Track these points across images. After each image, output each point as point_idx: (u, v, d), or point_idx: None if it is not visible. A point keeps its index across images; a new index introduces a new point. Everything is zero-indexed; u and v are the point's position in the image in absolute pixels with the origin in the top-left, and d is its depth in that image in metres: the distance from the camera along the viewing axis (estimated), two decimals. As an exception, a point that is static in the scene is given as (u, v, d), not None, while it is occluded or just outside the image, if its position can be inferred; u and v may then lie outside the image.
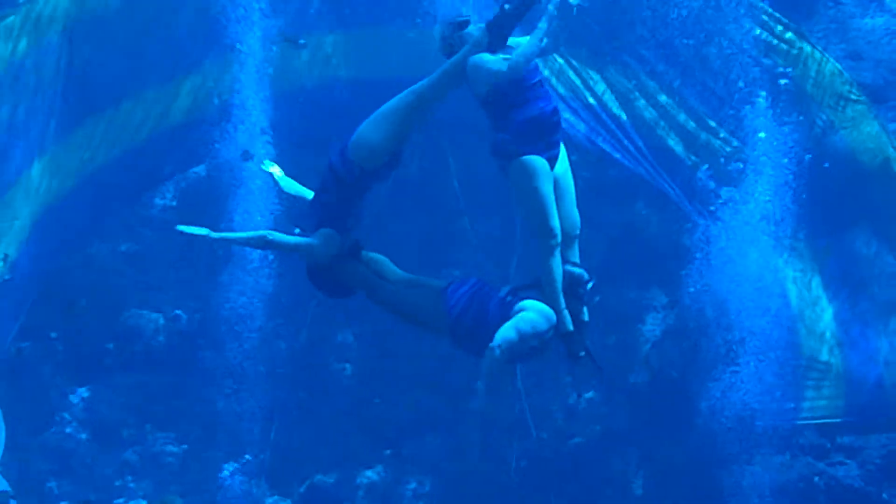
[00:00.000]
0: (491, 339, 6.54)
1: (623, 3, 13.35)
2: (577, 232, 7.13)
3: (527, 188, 6.75)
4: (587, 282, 6.92)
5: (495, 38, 6.98)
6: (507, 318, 6.56)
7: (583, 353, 6.78)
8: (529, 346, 6.43)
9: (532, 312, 6.40)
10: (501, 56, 6.79)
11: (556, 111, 6.95)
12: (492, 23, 7.01)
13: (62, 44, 12.57)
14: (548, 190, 6.78)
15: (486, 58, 6.72)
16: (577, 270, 6.87)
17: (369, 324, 14.96)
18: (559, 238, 6.71)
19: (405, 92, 7.17)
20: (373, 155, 7.21)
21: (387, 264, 7.60)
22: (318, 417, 15.01)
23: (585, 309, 7.06)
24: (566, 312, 6.53)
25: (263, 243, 7.20)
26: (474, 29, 7.03)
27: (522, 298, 6.63)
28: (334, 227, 7.38)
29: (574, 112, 13.78)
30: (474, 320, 6.87)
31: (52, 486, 14.72)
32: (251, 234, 7.46)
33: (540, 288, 6.72)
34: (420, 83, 7.21)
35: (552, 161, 6.82)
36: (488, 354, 6.18)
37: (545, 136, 6.80)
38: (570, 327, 6.57)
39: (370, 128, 7.19)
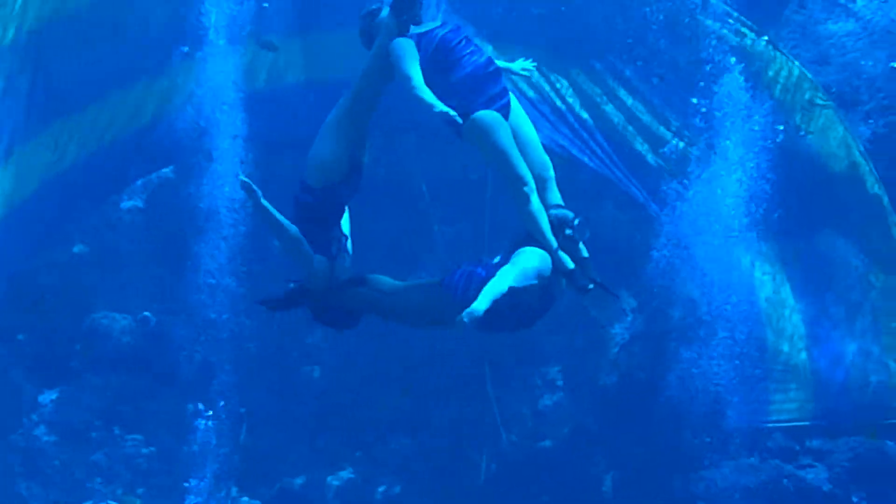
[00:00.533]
0: (503, 312, 7.89)
1: (591, 7, 13.48)
2: (551, 173, 7.07)
3: (486, 143, 6.86)
4: (573, 219, 6.81)
5: (403, 20, 7.12)
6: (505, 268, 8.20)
7: (591, 286, 6.73)
8: (531, 289, 6.39)
9: (511, 264, 6.43)
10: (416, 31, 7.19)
11: (489, 62, 7.10)
12: (394, 4, 7.19)
13: (29, 45, 12.62)
14: (507, 140, 6.88)
15: (396, 44, 6.96)
16: (561, 211, 6.88)
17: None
18: (531, 184, 6.79)
19: (340, 99, 7.34)
20: (327, 171, 7.22)
21: (380, 278, 7.51)
22: (287, 419, 15.08)
23: (582, 245, 6.99)
24: (562, 253, 6.50)
25: (289, 237, 6.95)
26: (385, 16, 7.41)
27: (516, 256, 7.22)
28: (318, 239, 7.40)
29: (542, 115, 13.82)
30: (478, 293, 8.19)
31: (21, 488, 14.55)
32: (288, 224, 7.23)
33: (530, 240, 6.81)
34: (352, 86, 7.47)
35: (503, 112, 6.91)
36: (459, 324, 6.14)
37: (487, 89, 6.92)
38: (570, 265, 6.50)
39: (318, 145, 7.24)
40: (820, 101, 13.34)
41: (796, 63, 13.59)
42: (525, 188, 6.74)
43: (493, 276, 6.88)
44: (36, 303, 14.56)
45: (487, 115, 6.80)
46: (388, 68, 7.18)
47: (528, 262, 6.43)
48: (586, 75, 14.36)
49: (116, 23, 13.39)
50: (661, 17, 14.18)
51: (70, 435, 15.11)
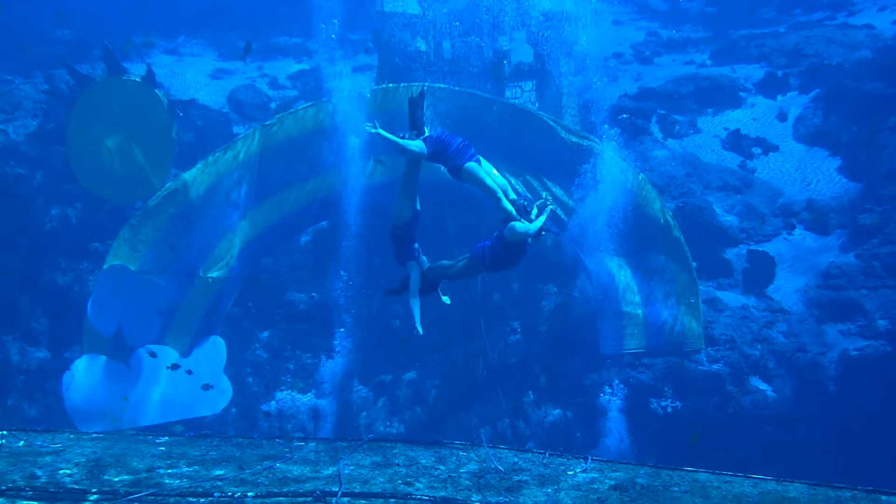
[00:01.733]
0: (504, 258, 12.12)
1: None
2: (508, 187, 11.99)
3: (473, 177, 11.91)
4: (524, 203, 11.91)
5: (417, 116, 12.23)
6: (500, 236, 11.86)
7: (543, 233, 11.86)
8: (522, 237, 11.69)
9: (508, 229, 11.53)
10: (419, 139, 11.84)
11: (463, 140, 11.98)
12: (410, 101, 12.17)
13: (256, 160, 19.59)
14: (482, 173, 11.89)
15: (412, 144, 11.71)
16: (519, 202, 11.91)
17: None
18: (499, 191, 11.81)
19: (399, 178, 12.22)
20: (402, 215, 12.21)
21: (442, 262, 12.63)
22: (380, 347, 21.32)
23: (541, 219, 11.88)
24: (524, 221, 11.58)
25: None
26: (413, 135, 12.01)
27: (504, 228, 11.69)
28: (407, 254, 12.40)
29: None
30: (493, 253, 12.07)
31: (249, 381, 21.42)
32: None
33: (507, 220, 11.71)
34: (402, 170, 12.20)
35: (477, 161, 11.87)
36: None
37: (466, 153, 11.91)
38: (531, 227, 11.58)
39: (394, 203, 12.19)
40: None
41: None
42: (497, 194, 11.76)
43: (494, 241, 12.01)
44: (256, 280, 20.96)
45: (470, 164, 11.90)
46: (415, 159, 12.11)
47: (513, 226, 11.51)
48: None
49: (299, 149, 19.64)
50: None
51: (272, 353, 21.73)
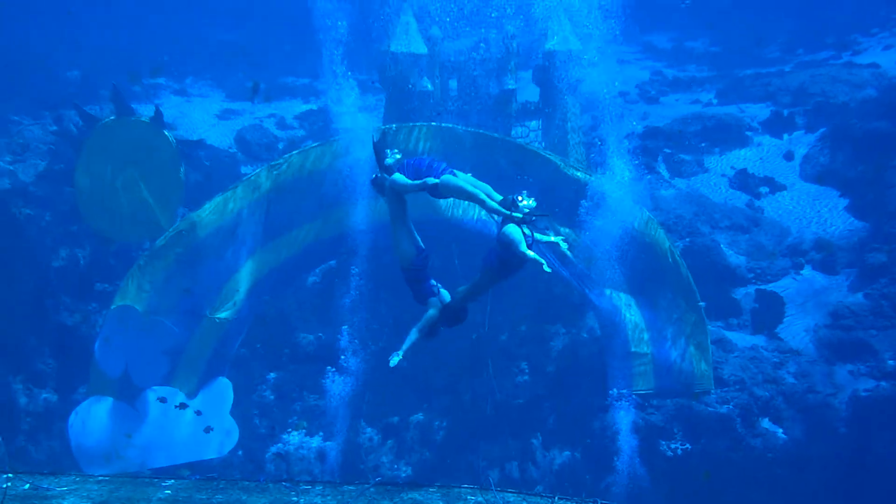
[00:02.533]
0: (510, 259, 11.88)
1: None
2: (489, 188, 11.93)
3: (453, 188, 11.83)
4: (512, 199, 11.72)
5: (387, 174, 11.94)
6: (499, 240, 11.72)
7: (533, 218, 11.66)
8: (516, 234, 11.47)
9: (502, 232, 11.47)
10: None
11: (431, 159, 12.00)
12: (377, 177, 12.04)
13: (264, 200, 19.56)
14: (460, 182, 11.81)
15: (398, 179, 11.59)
16: (507, 198, 11.84)
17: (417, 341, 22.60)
18: (481, 194, 11.73)
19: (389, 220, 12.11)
20: (406, 257, 12.11)
21: (460, 287, 12.52)
22: (386, 385, 21.04)
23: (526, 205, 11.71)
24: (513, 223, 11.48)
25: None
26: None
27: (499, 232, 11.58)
28: (425, 292, 12.26)
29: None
30: (497, 257, 12.01)
31: (256, 421, 21.30)
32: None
33: (502, 223, 11.64)
34: (389, 211, 12.08)
35: (451, 173, 11.79)
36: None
37: (437, 168, 11.85)
38: (518, 215, 11.49)
39: (394, 247, 12.18)
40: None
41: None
42: (480, 197, 11.65)
43: (495, 246, 11.91)
44: (262, 319, 20.83)
45: (446, 177, 11.76)
46: (398, 195, 11.92)
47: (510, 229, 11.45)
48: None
49: (308, 189, 19.64)
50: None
51: (279, 395, 21.67)
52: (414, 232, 12.09)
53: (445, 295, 12.19)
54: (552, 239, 11.89)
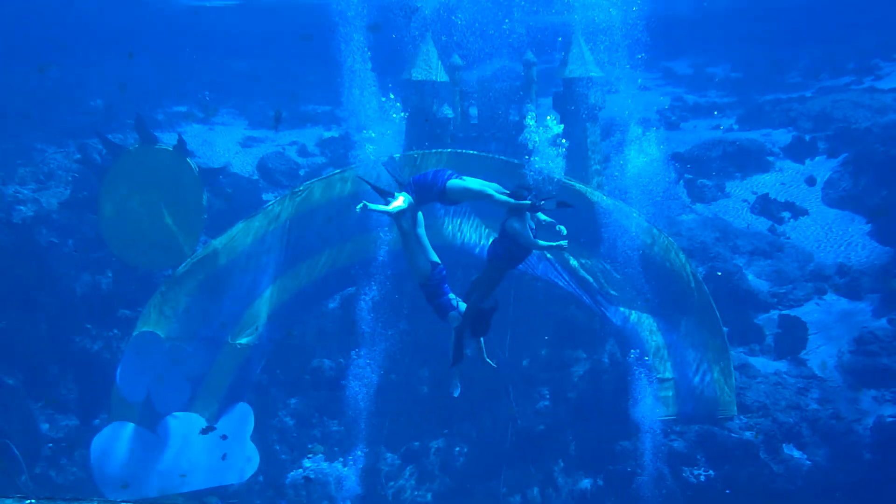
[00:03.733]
0: (514, 249, 11.87)
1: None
2: (497, 185, 11.84)
3: (460, 190, 11.74)
4: (521, 190, 11.70)
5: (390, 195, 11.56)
6: (503, 230, 11.73)
7: (541, 203, 11.56)
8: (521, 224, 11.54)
9: (506, 222, 11.53)
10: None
11: (435, 170, 11.94)
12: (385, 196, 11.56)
13: (285, 227, 19.59)
14: (466, 182, 11.78)
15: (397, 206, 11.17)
16: (515, 189, 11.76)
17: (436, 367, 21.23)
18: (489, 188, 11.72)
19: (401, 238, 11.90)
20: (422, 273, 11.85)
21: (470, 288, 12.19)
22: (411, 413, 21.26)
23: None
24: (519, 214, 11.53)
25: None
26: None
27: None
28: (445, 307, 11.76)
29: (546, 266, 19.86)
30: (502, 247, 11.99)
31: (277, 448, 21.26)
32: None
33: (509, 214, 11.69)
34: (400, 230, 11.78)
35: (455, 178, 11.71)
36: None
37: (440, 175, 11.83)
38: (527, 202, 11.45)
39: (409, 264, 11.96)
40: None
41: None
42: (488, 191, 11.63)
43: (499, 236, 11.94)
44: (288, 334, 20.67)
45: (451, 181, 11.70)
46: (405, 218, 11.66)
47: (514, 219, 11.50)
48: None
49: (329, 216, 19.59)
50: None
51: (298, 420, 21.71)
52: (428, 247, 11.90)
53: (464, 308, 11.84)
54: (555, 244, 11.75)
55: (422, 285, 11.82)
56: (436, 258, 11.85)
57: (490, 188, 11.75)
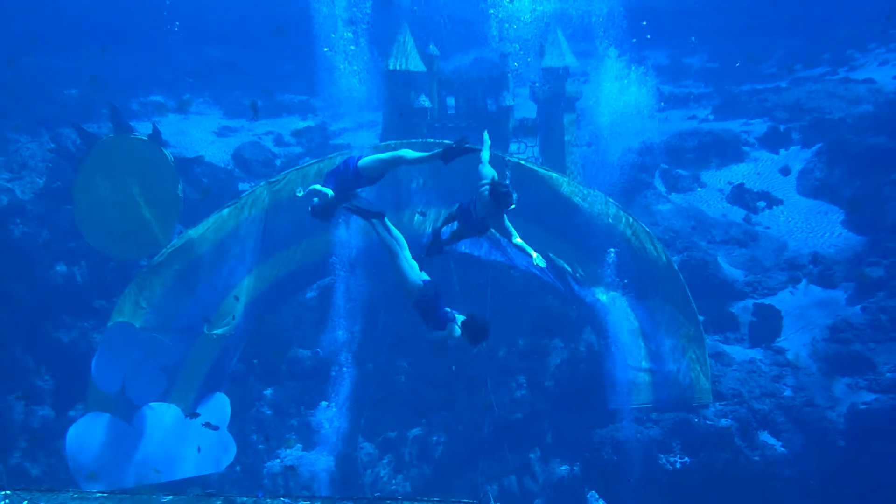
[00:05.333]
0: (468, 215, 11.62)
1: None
2: (410, 152, 11.73)
3: (373, 165, 11.60)
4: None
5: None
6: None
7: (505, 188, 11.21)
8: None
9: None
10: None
11: (345, 158, 11.85)
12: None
13: (262, 217, 19.63)
14: (376, 154, 11.72)
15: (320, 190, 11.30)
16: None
17: (414, 357, 21.38)
18: (401, 151, 11.69)
19: (389, 258, 11.72)
20: (411, 290, 11.59)
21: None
22: (385, 404, 21.31)
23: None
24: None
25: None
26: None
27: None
28: (439, 320, 11.50)
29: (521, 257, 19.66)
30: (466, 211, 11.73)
31: (253, 438, 21.17)
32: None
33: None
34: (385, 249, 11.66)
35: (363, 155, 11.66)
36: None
37: (350, 161, 11.76)
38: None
39: (397, 281, 11.69)
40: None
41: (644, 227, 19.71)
42: (400, 153, 11.66)
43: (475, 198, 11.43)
44: (259, 322, 20.37)
45: (361, 161, 11.69)
46: (380, 226, 11.56)
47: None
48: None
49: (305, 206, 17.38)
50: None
51: (276, 411, 21.67)
52: (414, 264, 11.72)
53: (459, 318, 11.53)
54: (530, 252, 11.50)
55: (415, 304, 11.56)
56: (424, 275, 11.63)
57: (403, 152, 11.75)
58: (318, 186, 11.54)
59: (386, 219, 11.62)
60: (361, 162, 11.58)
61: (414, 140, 19.97)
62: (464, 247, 20.05)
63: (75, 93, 33.44)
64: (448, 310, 11.42)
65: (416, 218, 19.89)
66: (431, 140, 20.30)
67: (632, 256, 19.87)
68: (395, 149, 12.06)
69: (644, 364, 20.27)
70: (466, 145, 11.43)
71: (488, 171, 11.48)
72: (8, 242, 22.32)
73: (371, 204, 11.89)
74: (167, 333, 19.15)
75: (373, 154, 11.67)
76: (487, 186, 11.29)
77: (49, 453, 20.63)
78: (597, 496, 19.56)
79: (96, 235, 21.54)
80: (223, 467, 19.43)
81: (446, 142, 11.81)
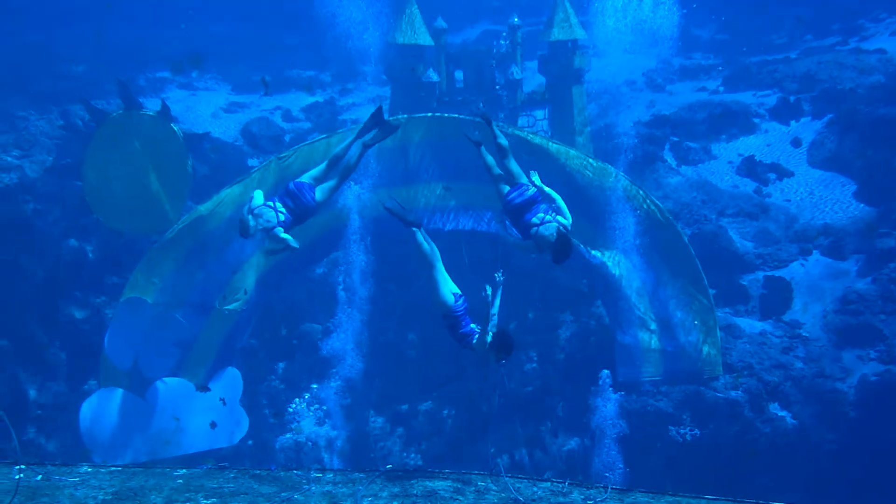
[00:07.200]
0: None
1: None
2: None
3: (327, 190, 11.91)
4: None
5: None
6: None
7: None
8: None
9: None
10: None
11: (294, 185, 11.94)
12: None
13: (273, 190, 17.47)
14: (317, 173, 11.94)
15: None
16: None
17: (424, 331, 21.62)
18: (338, 150, 11.98)
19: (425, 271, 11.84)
20: (443, 303, 11.56)
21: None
22: (399, 376, 21.54)
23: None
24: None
25: None
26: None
27: None
28: (466, 338, 11.56)
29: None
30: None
31: (266, 411, 21.56)
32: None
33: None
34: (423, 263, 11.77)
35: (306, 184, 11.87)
36: None
37: (303, 190, 11.89)
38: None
39: (433, 298, 11.62)
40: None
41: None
42: (336, 152, 12.00)
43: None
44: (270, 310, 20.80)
45: (316, 194, 11.87)
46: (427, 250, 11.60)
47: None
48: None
49: None
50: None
51: (288, 385, 21.88)
52: (448, 278, 11.72)
53: (489, 335, 11.38)
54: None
55: (444, 316, 11.55)
56: (456, 289, 11.65)
57: (331, 155, 12.02)
58: (286, 237, 11.66)
59: (423, 229, 11.71)
60: (318, 195, 11.86)
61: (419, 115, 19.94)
62: (470, 223, 20.26)
63: (82, 69, 33.34)
64: (474, 327, 11.40)
65: (438, 192, 20.18)
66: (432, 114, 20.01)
67: (642, 230, 19.75)
68: (327, 159, 12.17)
69: (654, 337, 20.34)
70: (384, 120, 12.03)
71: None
72: (20, 219, 22.41)
73: (408, 211, 11.91)
74: (179, 309, 19.28)
75: (313, 179, 12.00)
76: (556, 231, 11.33)
77: (62, 428, 20.80)
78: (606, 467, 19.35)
79: (107, 212, 21.61)
80: (236, 441, 19.62)
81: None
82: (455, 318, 11.42)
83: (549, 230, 11.30)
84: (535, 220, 11.48)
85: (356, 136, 12.12)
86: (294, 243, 11.51)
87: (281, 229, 11.57)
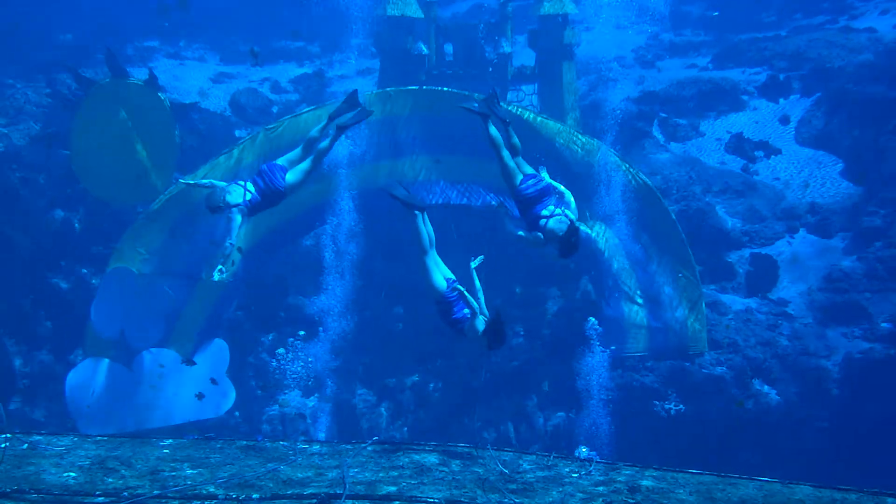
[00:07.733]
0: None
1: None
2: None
3: (301, 174, 12.04)
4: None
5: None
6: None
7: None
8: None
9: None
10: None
11: (265, 168, 12.14)
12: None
13: (259, 163, 17.32)
14: (293, 158, 12.18)
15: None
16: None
17: (410, 304, 21.37)
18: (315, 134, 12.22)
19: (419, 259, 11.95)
20: (436, 290, 11.73)
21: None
22: (386, 350, 21.42)
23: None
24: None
25: None
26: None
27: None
28: (459, 323, 11.73)
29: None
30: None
31: (252, 384, 21.33)
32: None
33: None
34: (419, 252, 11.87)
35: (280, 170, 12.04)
36: None
37: (275, 176, 12.08)
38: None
39: (426, 284, 11.84)
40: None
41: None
42: (313, 136, 12.21)
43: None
44: (256, 282, 20.81)
45: (286, 180, 12.13)
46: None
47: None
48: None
49: None
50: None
51: (274, 357, 21.34)
52: (441, 263, 11.86)
53: (480, 322, 11.49)
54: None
55: (437, 301, 11.66)
56: (450, 274, 11.78)
57: (310, 132, 12.17)
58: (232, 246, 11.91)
59: (426, 214, 11.72)
60: (288, 181, 11.99)
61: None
62: (458, 198, 20.21)
63: (70, 37, 33.02)
64: (467, 311, 11.43)
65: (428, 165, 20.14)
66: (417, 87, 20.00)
67: (630, 206, 19.78)
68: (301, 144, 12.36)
69: (640, 312, 20.42)
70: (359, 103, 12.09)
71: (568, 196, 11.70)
72: (6, 188, 22.22)
73: (413, 196, 11.89)
74: (165, 279, 19.25)
75: (287, 163, 12.11)
76: (566, 225, 11.32)
77: (49, 397, 20.76)
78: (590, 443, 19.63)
79: (94, 181, 21.53)
80: (223, 412, 19.65)
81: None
82: (448, 303, 11.50)
83: (558, 224, 11.34)
84: (545, 212, 11.50)
85: (329, 118, 12.20)
86: (236, 260, 11.59)
87: (244, 209, 11.84)
